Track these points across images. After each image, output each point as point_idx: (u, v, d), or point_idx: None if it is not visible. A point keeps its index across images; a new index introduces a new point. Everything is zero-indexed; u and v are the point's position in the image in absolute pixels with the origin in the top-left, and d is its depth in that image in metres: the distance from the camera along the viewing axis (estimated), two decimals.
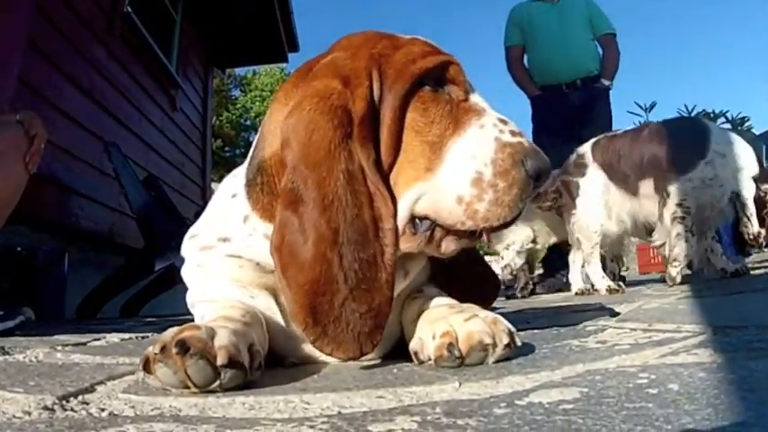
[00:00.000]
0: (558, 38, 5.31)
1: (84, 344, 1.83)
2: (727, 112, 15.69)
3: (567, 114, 5.22)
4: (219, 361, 0.92)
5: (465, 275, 1.41)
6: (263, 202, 1.20)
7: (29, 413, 0.83)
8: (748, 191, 3.80)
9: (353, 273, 1.05)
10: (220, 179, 1.54)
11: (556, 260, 5.36)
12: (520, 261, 5.17)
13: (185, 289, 1.37)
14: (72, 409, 0.86)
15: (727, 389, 0.74)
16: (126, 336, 2.09)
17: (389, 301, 1.07)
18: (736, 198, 3.83)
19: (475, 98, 1.20)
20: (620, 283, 4.04)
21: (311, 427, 0.71)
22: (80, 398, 0.93)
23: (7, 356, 1.53)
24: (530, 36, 5.53)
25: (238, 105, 37.13)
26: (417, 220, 1.14)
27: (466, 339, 1.06)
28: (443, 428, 0.67)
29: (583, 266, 4.35)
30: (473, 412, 0.74)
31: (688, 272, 4.32)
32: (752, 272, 4.02)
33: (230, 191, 1.31)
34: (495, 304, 1.79)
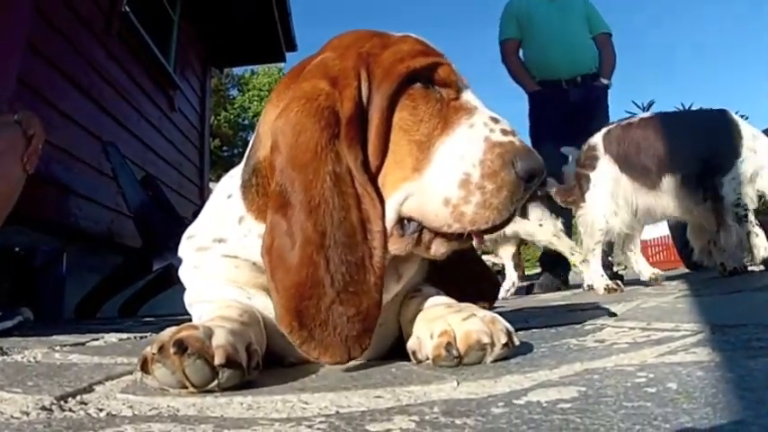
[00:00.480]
0: (559, 34, 5.29)
1: (83, 344, 1.83)
2: None
3: (565, 111, 5.21)
4: (217, 361, 0.92)
5: (462, 275, 1.39)
6: (258, 203, 1.19)
7: (27, 413, 0.83)
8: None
9: (341, 276, 1.04)
10: (218, 179, 1.54)
11: (552, 258, 5.36)
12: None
13: (183, 289, 1.37)
14: (70, 410, 0.86)
15: (726, 388, 0.74)
16: (124, 336, 2.09)
17: (378, 304, 1.06)
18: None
19: (467, 96, 1.18)
20: (619, 282, 4.02)
21: (309, 426, 0.71)
22: (78, 398, 0.93)
23: (5, 357, 1.52)
24: (528, 31, 5.50)
25: (236, 105, 37.18)
26: (405, 222, 1.12)
27: (464, 339, 1.06)
28: (441, 428, 0.67)
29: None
30: (471, 411, 0.73)
31: (686, 270, 4.31)
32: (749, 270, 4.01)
33: (226, 191, 1.31)
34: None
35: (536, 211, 4.90)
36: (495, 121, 1.13)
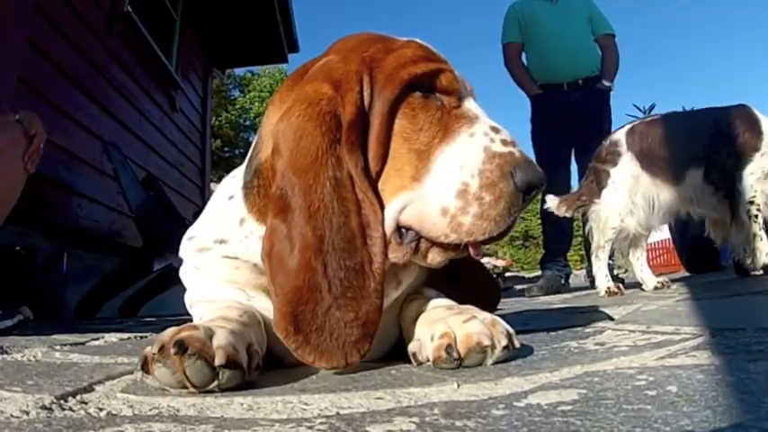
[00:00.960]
0: (561, 37, 5.27)
1: (83, 343, 1.83)
2: None
3: (567, 115, 5.18)
4: (218, 361, 0.92)
5: (464, 279, 1.40)
6: (259, 205, 1.18)
7: (27, 412, 0.83)
8: None
9: (339, 281, 1.04)
10: (219, 179, 1.54)
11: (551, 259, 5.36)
12: None
13: (184, 289, 1.38)
14: (70, 409, 0.86)
15: (726, 391, 0.74)
16: (124, 335, 2.09)
17: (379, 309, 1.06)
18: None
19: (468, 105, 1.17)
20: (620, 285, 4.01)
21: (309, 427, 0.71)
22: (78, 397, 0.94)
23: (6, 356, 1.52)
24: (530, 34, 5.47)
25: (237, 106, 37.21)
26: (403, 231, 1.12)
27: (464, 341, 1.06)
28: (441, 429, 0.67)
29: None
30: (471, 413, 0.74)
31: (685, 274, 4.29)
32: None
33: (228, 192, 1.30)
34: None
35: None
36: (496, 130, 1.12)
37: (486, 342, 1.06)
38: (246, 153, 1.31)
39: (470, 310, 1.16)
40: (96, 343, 1.88)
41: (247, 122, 37.22)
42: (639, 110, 10.92)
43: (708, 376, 0.83)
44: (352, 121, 1.08)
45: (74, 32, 5.11)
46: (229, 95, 37.17)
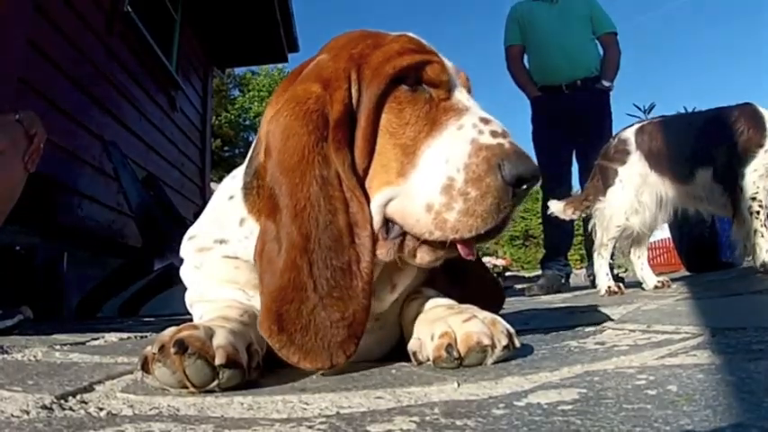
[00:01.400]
0: (558, 38, 5.26)
1: (83, 343, 1.84)
2: None
3: (567, 115, 5.18)
4: (218, 361, 0.92)
5: (465, 279, 1.37)
6: (258, 205, 1.17)
7: (27, 412, 0.83)
8: None
9: (325, 280, 1.02)
10: (220, 179, 1.54)
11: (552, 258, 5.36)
12: None
13: (184, 289, 1.38)
14: (70, 409, 0.86)
15: (726, 390, 0.74)
16: (125, 335, 2.09)
17: (366, 309, 1.04)
18: None
19: (458, 96, 1.14)
20: (620, 285, 4.00)
21: (310, 427, 0.71)
22: (78, 397, 0.94)
23: (6, 355, 1.53)
24: (529, 36, 5.47)
25: (237, 105, 37.21)
26: (390, 225, 1.09)
27: (464, 340, 1.06)
28: (442, 429, 0.67)
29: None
30: (471, 413, 0.74)
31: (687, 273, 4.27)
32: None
33: (228, 192, 1.30)
34: None
35: None
36: (486, 121, 1.08)
37: (487, 341, 1.05)
38: (246, 152, 1.31)
39: (470, 309, 1.16)
40: (96, 343, 1.88)
41: (247, 122, 37.22)
42: (640, 109, 10.91)
43: (708, 375, 0.83)
44: (338, 119, 1.07)
45: (74, 32, 5.11)
46: (229, 95, 37.17)
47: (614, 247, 4.13)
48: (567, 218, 4.36)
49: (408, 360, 1.15)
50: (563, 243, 5.40)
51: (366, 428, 0.69)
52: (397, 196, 1.07)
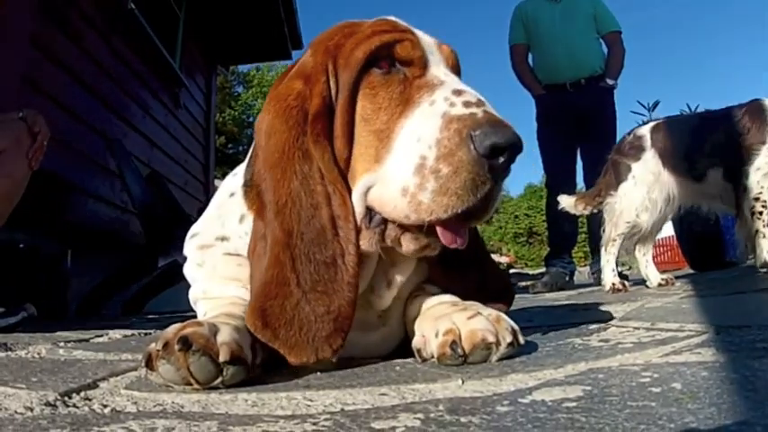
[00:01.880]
0: (562, 37, 5.26)
1: (87, 340, 1.84)
2: None
3: (571, 114, 5.18)
4: (222, 357, 0.92)
5: (471, 276, 1.32)
6: (258, 202, 1.18)
7: (31, 409, 0.83)
8: None
9: (308, 275, 1.02)
10: (223, 176, 1.54)
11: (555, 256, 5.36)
12: None
13: (188, 286, 1.38)
14: (74, 405, 0.86)
15: (730, 388, 0.73)
16: (128, 332, 2.10)
17: (352, 303, 1.03)
18: None
19: (433, 72, 1.10)
20: (625, 282, 3.99)
21: (314, 423, 0.71)
22: (82, 394, 0.94)
23: (10, 352, 1.53)
24: (533, 34, 5.47)
25: (241, 102, 37.21)
26: (372, 213, 1.07)
27: (469, 337, 1.05)
28: (446, 426, 0.67)
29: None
30: (476, 410, 0.73)
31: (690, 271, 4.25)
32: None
33: (229, 190, 1.31)
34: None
35: None
36: (459, 93, 1.03)
37: (491, 339, 1.05)
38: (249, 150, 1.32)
39: (475, 306, 1.16)
40: (100, 340, 1.88)
41: (251, 119, 37.17)
42: (644, 107, 10.87)
43: (712, 373, 0.83)
44: (316, 113, 1.07)
45: (77, 29, 5.11)
46: (233, 92, 37.16)
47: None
48: (578, 213, 4.35)
49: (412, 356, 1.15)
50: (567, 240, 5.40)
51: (370, 425, 0.69)
52: (375, 183, 1.05)
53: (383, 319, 1.25)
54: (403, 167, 1.01)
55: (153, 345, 0.95)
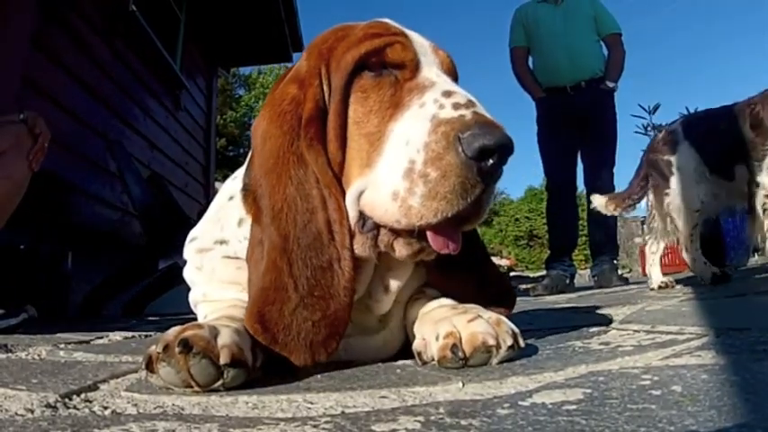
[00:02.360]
0: (562, 40, 5.26)
1: (87, 342, 1.84)
2: None
3: (571, 117, 5.19)
4: (222, 360, 0.92)
5: (472, 280, 1.31)
6: (254, 207, 1.18)
7: (31, 411, 0.83)
8: None
9: (305, 280, 1.02)
10: (224, 178, 1.55)
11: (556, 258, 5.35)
12: None
13: (188, 288, 1.38)
14: (75, 407, 0.86)
15: (730, 391, 0.73)
16: (129, 334, 2.10)
17: (347, 308, 1.03)
18: None
19: (425, 74, 1.09)
20: (671, 279, 3.87)
21: (314, 426, 0.71)
22: (83, 396, 0.94)
23: (10, 354, 1.53)
24: (533, 37, 5.47)
25: (242, 104, 37.19)
26: (365, 218, 1.06)
27: (469, 340, 1.05)
28: (447, 428, 0.67)
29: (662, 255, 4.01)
30: (476, 413, 0.74)
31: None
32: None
33: (228, 193, 1.31)
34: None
35: None
36: (448, 94, 1.02)
37: (492, 342, 1.05)
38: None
39: (475, 309, 1.15)
40: (101, 341, 1.88)
41: (252, 121, 37.12)
42: (644, 110, 10.89)
43: (712, 376, 0.83)
44: (309, 117, 1.07)
45: (78, 31, 5.12)
46: (234, 94, 37.15)
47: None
48: (609, 213, 4.25)
49: (413, 360, 1.15)
50: (568, 244, 5.39)
51: (371, 428, 0.69)
52: (366, 187, 1.04)
53: (383, 323, 1.25)
54: (393, 171, 1.00)
55: (153, 347, 0.95)
